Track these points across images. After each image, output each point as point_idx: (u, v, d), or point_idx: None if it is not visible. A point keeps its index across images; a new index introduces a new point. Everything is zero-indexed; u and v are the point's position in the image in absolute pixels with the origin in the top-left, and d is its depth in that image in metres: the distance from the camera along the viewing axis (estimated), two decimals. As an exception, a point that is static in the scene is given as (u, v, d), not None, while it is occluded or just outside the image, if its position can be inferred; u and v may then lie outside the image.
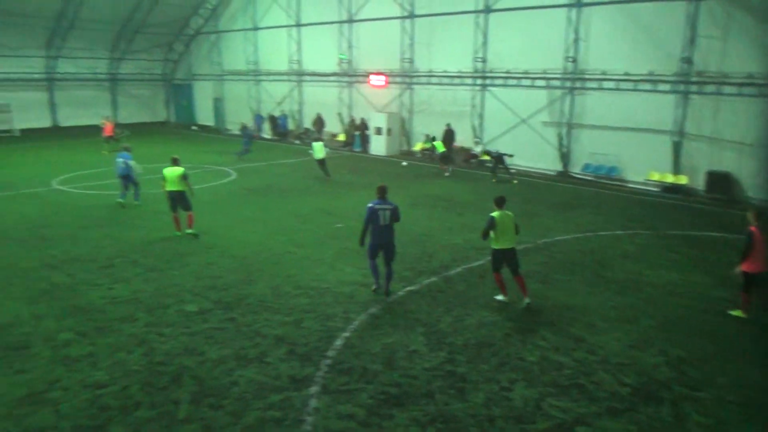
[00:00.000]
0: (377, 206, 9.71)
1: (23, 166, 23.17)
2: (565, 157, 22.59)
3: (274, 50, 34.19)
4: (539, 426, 6.28)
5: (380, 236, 9.77)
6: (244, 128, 28.47)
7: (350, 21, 29.53)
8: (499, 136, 24.64)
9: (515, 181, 21.11)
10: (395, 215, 9.85)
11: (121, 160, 16.14)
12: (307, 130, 32.87)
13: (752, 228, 8.86)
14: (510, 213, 9.72)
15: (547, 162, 23.15)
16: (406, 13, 26.91)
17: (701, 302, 9.81)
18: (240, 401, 6.67)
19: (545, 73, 22.67)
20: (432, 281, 10.67)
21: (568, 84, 22.12)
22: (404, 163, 25.05)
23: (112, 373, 7.24)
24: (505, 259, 9.59)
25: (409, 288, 10.28)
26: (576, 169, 22.42)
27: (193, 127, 39.59)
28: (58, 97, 36.70)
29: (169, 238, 13.14)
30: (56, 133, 35.07)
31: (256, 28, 35.04)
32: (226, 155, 26.41)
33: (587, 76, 21.60)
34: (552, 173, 22.87)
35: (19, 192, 18.06)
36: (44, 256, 11.77)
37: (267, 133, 34.69)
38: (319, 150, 20.96)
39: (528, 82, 23.35)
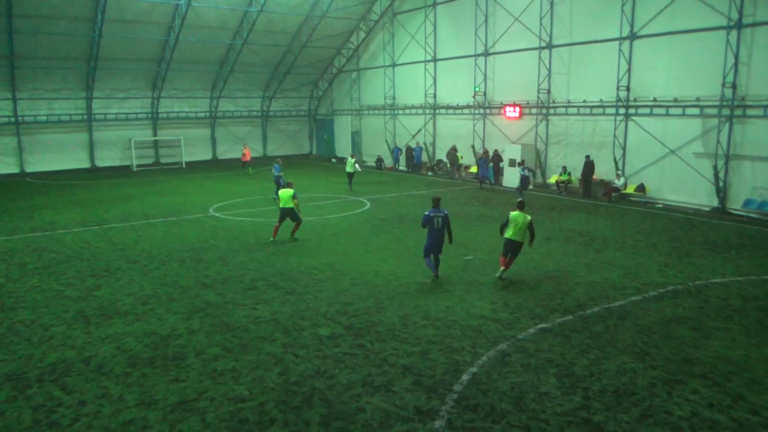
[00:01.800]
0: (432, 214, 12.07)
1: (187, 194, 25.99)
2: (721, 191, 20.48)
3: (411, 85, 35.32)
4: (688, 491, 5.62)
5: (434, 238, 12.09)
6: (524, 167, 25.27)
7: (486, 54, 29.66)
8: (643, 168, 23.09)
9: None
10: (446, 221, 12.11)
11: (277, 167, 23.82)
12: (440, 161, 33.26)
13: None
14: (528, 216, 12.27)
15: (699, 197, 21.17)
16: (543, 44, 26.45)
17: None
18: (366, 428, 6.76)
19: (699, 100, 20.91)
20: (566, 320, 10.13)
21: (726, 112, 20.18)
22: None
23: (252, 388, 7.74)
24: (511, 248, 12.22)
25: (541, 325, 9.85)
26: (735, 205, 20.20)
27: (333, 160, 41.87)
28: (218, 133, 40.96)
29: (306, 264, 13.89)
30: (215, 165, 39.02)
31: (394, 65, 36.51)
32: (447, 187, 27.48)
33: (749, 103, 19.56)
34: (706, 209, 20.82)
35: (182, 218, 20.24)
36: (200, 276, 13.03)
37: (402, 165, 35.64)
38: (349, 165, 25.75)
39: (678, 111, 21.69)
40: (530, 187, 24.29)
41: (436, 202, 12.33)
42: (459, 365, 8.36)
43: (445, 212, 12.27)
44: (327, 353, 8.82)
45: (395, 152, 36.11)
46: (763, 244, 15.86)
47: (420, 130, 35.02)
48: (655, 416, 6.94)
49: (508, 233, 12.24)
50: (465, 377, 7.98)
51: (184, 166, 38.21)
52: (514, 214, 12.32)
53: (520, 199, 12.96)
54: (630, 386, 7.68)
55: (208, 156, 40.69)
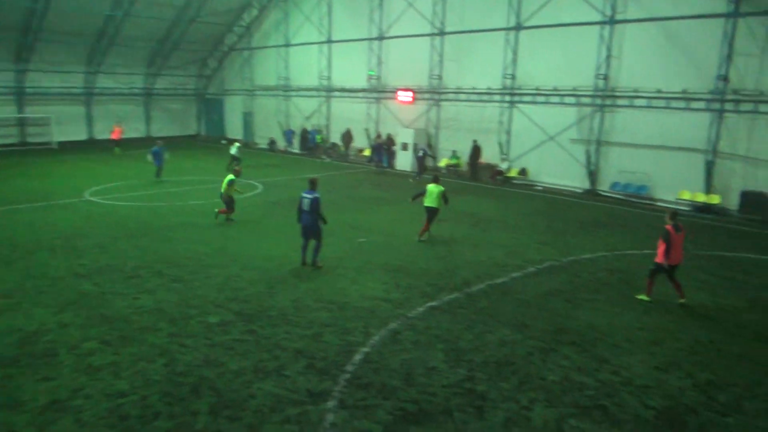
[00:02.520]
0: (304, 195, 11.94)
1: (58, 177, 23.86)
2: (592, 174, 22.28)
3: (305, 66, 34.73)
4: (559, 449, 6.12)
5: (303, 219, 11.99)
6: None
7: (380, 38, 29.83)
8: (525, 152, 24.48)
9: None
10: (314, 203, 11.81)
11: (156, 148, 23.64)
12: (334, 144, 33.17)
13: (667, 227, 10.21)
14: (441, 187, 14.47)
15: (574, 179, 22.88)
16: (436, 31, 27.06)
17: (731, 325, 9.51)
18: (257, 414, 6.67)
19: (575, 90, 22.48)
20: (454, 297, 10.57)
21: (598, 101, 21.88)
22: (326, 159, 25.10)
23: (134, 382, 7.33)
24: (428, 213, 14.44)
25: (430, 304, 10.20)
26: (604, 187, 22.09)
27: (222, 141, 40.29)
28: (95, 111, 37.87)
29: (195, 250, 13.33)
30: (91, 146, 36.09)
31: (288, 45, 35.68)
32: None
33: (618, 94, 21.35)
34: (579, 191, 22.56)
35: (53, 203, 18.57)
36: (74, 266, 12.05)
37: (296, 147, 35.12)
38: (233, 148, 26.80)
39: (557, 99, 23.19)
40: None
41: (312, 184, 12.03)
42: (351, 346, 8.45)
43: (316, 195, 11.85)
44: (216, 341, 8.55)
45: (288, 134, 35.48)
46: (626, 222, 17.51)
47: (314, 113, 34.65)
48: (532, 382, 7.47)
49: (426, 202, 14.45)
50: (357, 357, 8.10)
51: (56, 146, 34.99)
52: (430, 186, 14.53)
53: (435, 175, 15.48)
54: (510, 356, 8.20)
55: (83, 136, 37.51)
